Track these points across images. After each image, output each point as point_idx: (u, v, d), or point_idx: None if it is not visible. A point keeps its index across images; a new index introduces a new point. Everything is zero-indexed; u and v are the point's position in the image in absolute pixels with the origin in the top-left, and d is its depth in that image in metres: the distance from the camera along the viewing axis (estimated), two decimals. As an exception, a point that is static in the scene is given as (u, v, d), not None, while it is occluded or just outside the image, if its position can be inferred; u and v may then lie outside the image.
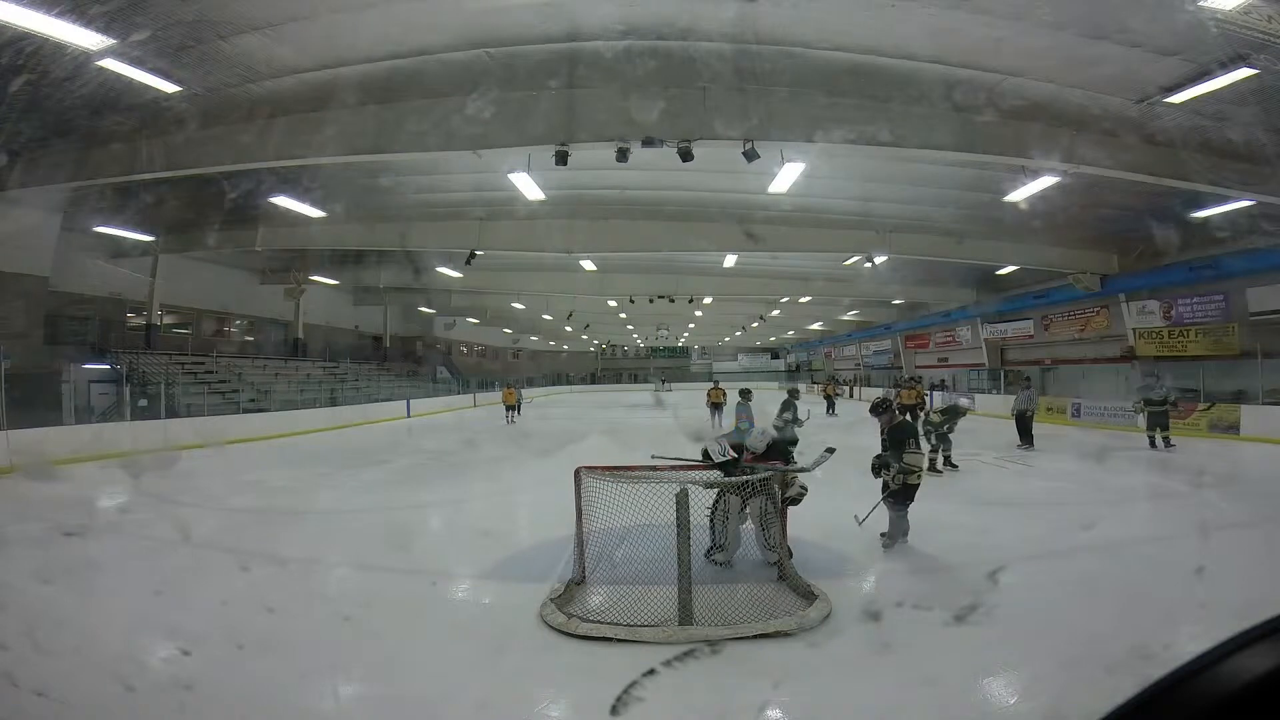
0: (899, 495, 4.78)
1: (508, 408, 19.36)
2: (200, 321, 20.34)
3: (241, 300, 20.85)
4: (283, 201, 10.86)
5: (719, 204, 11.96)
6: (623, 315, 28.11)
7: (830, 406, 20.93)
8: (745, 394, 9.44)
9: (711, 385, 17.19)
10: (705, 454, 4.70)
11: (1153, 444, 10.27)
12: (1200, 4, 5.30)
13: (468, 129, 7.42)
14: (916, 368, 28.47)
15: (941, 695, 2.82)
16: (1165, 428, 10.32)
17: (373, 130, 7.80)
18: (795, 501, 4.32)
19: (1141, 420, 10.94)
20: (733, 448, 4.62)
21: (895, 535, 4.90)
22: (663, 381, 45.15)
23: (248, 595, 4.22)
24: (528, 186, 9.48)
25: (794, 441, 5.98)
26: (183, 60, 6.77)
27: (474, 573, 4.69)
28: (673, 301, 21.83)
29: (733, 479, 4.31)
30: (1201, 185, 8.48)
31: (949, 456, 8.46)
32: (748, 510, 4.46)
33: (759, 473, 4.31)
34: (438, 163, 10.14)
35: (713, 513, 4.52)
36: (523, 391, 20.97)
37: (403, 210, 12.82)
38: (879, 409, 5.31)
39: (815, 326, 35.55)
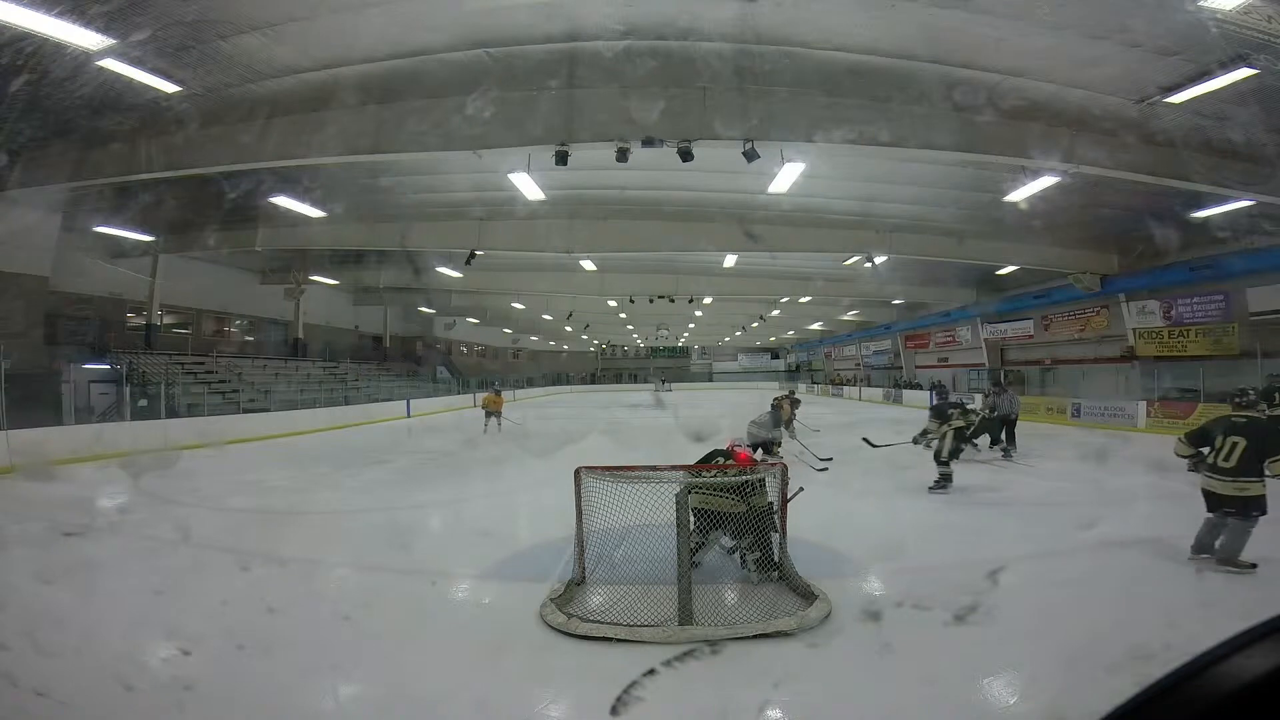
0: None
1: (488, 414, 15.80)
2: (200, 321, 20.34)
3: (241, 300, 20.87)
4: (282, 201, 10.86)
5: (719, 204, 11.96)
6: (623, 315, 28.11)
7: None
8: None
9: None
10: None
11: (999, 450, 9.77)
12: (1200, 4, 5.30)
13: (468, 129, 7.42)
14: (916, 368, 28.49)
15: (941, 695, 2.82)
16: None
17: (373, 130, 7.80)
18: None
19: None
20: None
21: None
22: (663, 381, 45.04)
23: (248, 595, 4.21)
24: (528, 186, 9.47)
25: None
26: (183, 60, 6.77)
27: (474, 573, 4.69)
28: (673, 301, 21.83)
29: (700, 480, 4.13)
30: (1201, 185, 8.48)
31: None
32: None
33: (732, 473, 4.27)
34: (438, 163, 10.14)
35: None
36: (513, 394, 17.67)
37: (403, 210, 12.82)
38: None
39: (815, 326, 35.56)
